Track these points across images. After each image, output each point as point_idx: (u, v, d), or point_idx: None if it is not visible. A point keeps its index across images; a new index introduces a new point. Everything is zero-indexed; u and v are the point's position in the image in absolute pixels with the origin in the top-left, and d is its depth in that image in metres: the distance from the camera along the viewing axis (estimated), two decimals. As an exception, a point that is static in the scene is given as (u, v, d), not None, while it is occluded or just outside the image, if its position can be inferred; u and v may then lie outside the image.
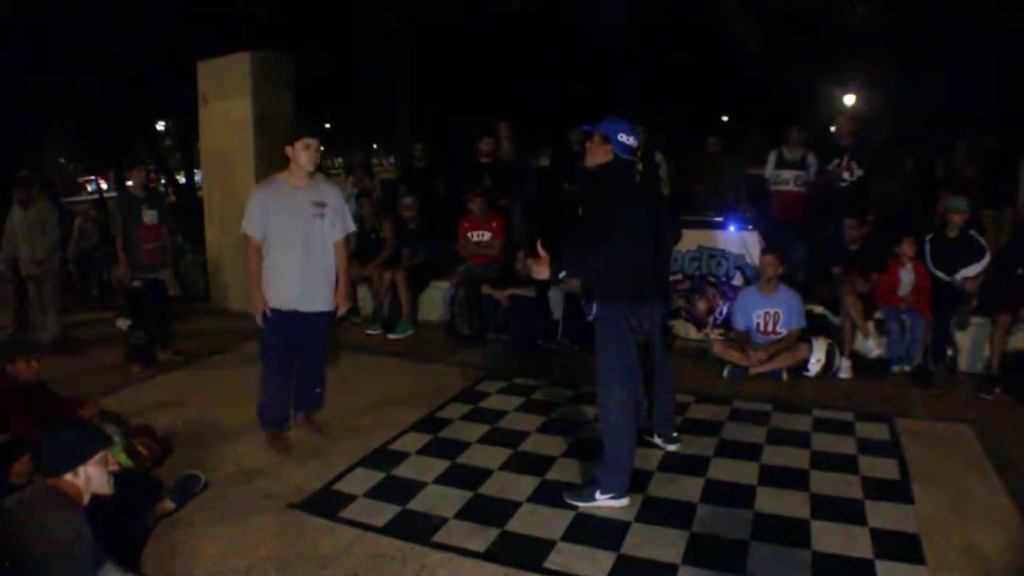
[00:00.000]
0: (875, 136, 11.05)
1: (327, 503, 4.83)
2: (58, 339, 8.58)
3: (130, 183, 8.59)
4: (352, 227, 6.00)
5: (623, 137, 4.75)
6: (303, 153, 5.42)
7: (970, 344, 7.64)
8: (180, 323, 9.39)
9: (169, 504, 4.62)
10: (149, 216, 8.06)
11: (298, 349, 5.73)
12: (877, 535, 4.31)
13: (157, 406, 6.56)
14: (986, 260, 7.50)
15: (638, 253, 4.77)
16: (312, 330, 5.73)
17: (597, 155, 4.83)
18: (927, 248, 7.73)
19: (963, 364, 7.66)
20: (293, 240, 5.48)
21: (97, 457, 3.51)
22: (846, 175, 8.98)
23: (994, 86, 15.46)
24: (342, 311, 5.95)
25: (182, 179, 25.03)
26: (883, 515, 4.55)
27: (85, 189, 34.34)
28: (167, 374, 7.72)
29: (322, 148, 5.67)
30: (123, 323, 8.74)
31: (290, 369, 5.78)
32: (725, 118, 22.76)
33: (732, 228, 8.59)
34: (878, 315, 7.72)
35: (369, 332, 9.29)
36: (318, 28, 17.02)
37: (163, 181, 25.14)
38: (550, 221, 10.13)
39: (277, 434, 5.79)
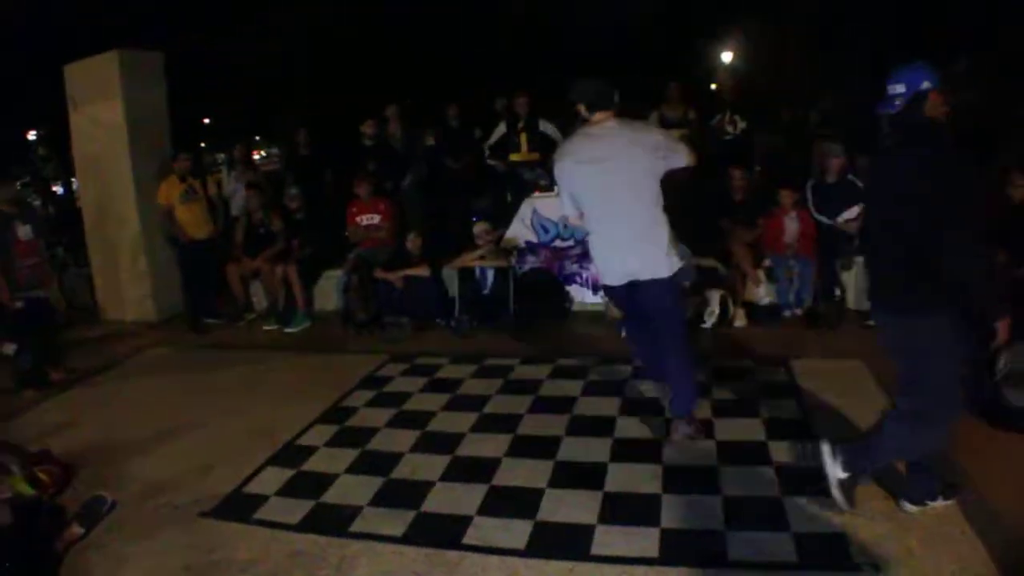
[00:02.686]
0: (754, 90, 11.32)
1: (239, 507, 4.73)
2: None
3: (-1, 199, 8.23)
4: None
5: None
6: None
7: (857, 283, 7.89)
8: (69, 340, 9.07)
9: (78, 529, 4.45)
10: (24, 232, 7.71)
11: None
12: (783, 473, 4.46)
13: (55, 429, 6.31)
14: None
15: None
16: None
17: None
18: (809, 194, 7.95)
19: (851, 303, 7.92)
20: None
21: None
22: (729, 129, 9.16)
23: (860, 37, 16.00)
24: None
25: (59, 189, 24.15)
26: (787, 454, 4.71)
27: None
28: (61, 395, 7.40)
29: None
30: (8, 348, 8.32)
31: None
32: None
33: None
34: (767, 263, 7.92)
35: (265, 328, 9.12)
36: (190, 21, 16.63)
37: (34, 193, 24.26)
38: (440, 201, 10.14)
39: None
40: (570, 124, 10.07)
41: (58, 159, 23.52)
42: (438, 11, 18.76)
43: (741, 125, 9.16)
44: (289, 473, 5.13)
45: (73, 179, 20.77)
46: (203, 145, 24.28)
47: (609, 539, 3.95)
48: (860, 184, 7.87)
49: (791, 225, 7.80)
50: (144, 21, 14.54)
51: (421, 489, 4.70)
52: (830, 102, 10.34)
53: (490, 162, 10.12)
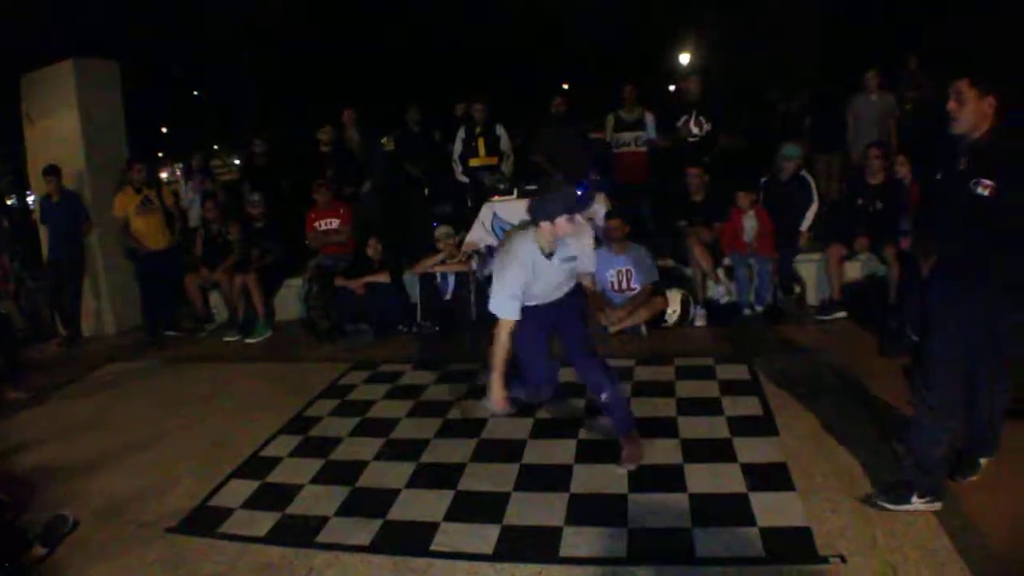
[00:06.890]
0: (717, 92, 11.42)
1: (205, 521, 4.66)
2: None
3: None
4: None
5: None
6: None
7: (816, 279, 7.99)
8: (27, 356, 8.91)
9: (40, 550, 4.36)
10: (-23, 247, 7.63)
11: None
12: (748, 469, 4.49)
13: (14, 449, 6.18)
14: (815, 206, 7.88)
15: None
16: None
17: None
18: (761, 192, 8.04)
19: (811, 299, 8.02)
20: None
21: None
22: (695, 130, 9.25)
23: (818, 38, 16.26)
24: None
25: (11, 201, 23.75)
26: (751, 450, 4.74)
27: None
28: (20, 413, 7.23)
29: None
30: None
31: None
32: (566, 86, 23.05)
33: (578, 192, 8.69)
34: (726, 262, 7.97)
35: (226, 339, 9.01)
36: (148, 31, 16.48)
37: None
38: (400, 206, 10.10)
39: None
40: (529, 126, 10.17)
41: (14, 173, 23.14)
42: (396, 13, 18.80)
43: (706, 127, 9.24)
44: (254, 485, 5.06)
45: (28, 192, 20.47)
46: (160, 155, 24.07)
47: (577, 540, 3.95)
48: (812, 185, 8.00)
49: (749, 223, 7.86)
50: (98, 31, 14.37)
51: (387, 497, 4.67)
52: (794, 102, 10.54)
53: (462, 179, 10.08)
